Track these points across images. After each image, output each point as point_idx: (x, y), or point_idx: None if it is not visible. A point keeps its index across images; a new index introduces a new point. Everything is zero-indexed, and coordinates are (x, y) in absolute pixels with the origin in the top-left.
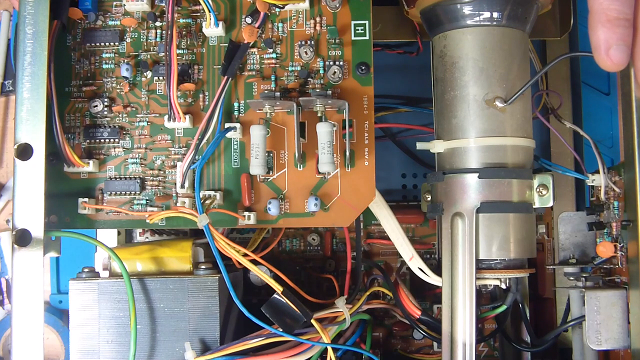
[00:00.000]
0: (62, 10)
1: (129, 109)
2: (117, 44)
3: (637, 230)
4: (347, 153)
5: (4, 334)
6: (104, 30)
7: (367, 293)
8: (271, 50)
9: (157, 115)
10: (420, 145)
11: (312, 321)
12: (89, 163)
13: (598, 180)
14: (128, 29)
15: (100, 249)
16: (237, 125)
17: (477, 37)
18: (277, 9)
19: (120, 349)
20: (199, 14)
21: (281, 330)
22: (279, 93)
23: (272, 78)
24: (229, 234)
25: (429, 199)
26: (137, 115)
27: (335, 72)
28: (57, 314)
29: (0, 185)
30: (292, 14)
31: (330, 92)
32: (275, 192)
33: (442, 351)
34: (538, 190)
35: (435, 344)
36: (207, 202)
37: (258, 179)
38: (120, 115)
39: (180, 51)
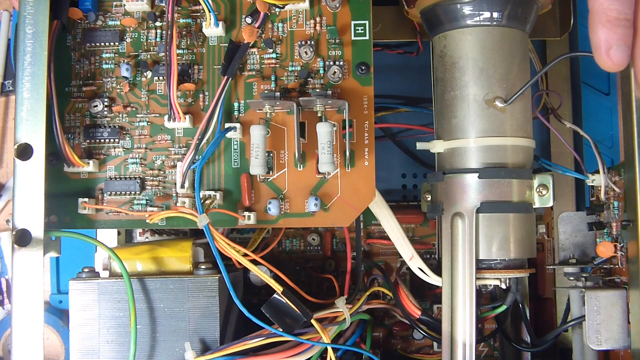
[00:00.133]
0: (62, 10)
1: (129, 109)
2: (117, 44)
3: (637, 230)
4: (347, 153)
5: (4, 334)
6: (104, 30)
7: (367, 293)
8: (271, 50)
9: (157, 115)
10: (420, 145)
11: (312, 321)
12: (89, 163)
13: (598, 180)
14: (128, 29)
15: (100, 249)
16: (237, 125)
17: (477, 37)
18: (277, 9)
19: (120, 349)
20: (199, 14)
21: (281, 330)
22: (279, 93)
23: (272, 78)
24: (229, 234)
25: (429, 199)
26: (137, 115)
27: (335, 72)
28: (57, 314)
29: (0, 185)
30: (292, 14)
31: (330, 92)
32: (275, 192)
33: (442, 351)
34: (538, 190)
35: (435, 344)
36: (207, 202)
37: (258, 179)
38: (120, 115)
39: (180, 51)
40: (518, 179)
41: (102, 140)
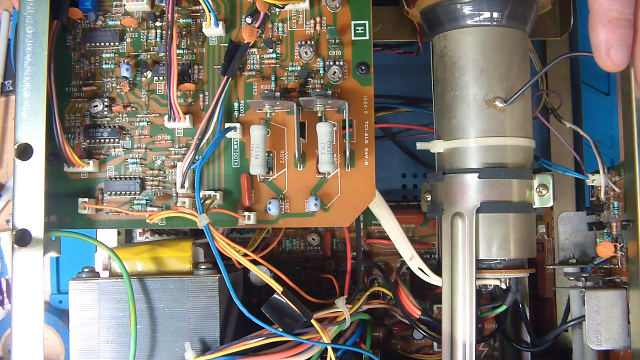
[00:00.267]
0: (62, 10)
1: (129, 109)
2: (117, 44)
3: (637, 230)
4: (347, 153)
5: (4, 334)
6: (104, 30)
7: (367, 293)
8: (271, 50)
9: (157, 115)
10: (420, 145)
11: (312, 321)
12: (89, 163)
13: (598, 180)
14: (128, 29)
15: (100, 249)
16: (237, 125)
17: (477, 37)
18: (277, 9)
19: (120, 349)
20: (199, 14)
21: (281, 330)
22: (279, 93)
23: (272, 78)
24: (229, 234)
25: (429, 199)
26: (137, 115)
27: (335, 72)
28: (57, 314)
29: (0, 185)
30: (292, 14)
31: (330, 92)
32: (275, 192)
33: (442, 351)
34: (538, 190)
35: (435, 344)
36: (207, 202)
37: (258, 179)
38: (120, 115)
39: (180, 51)
40: (518, 179)
41: (102, 140)
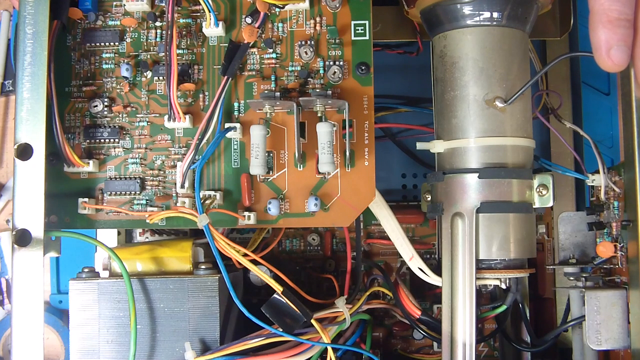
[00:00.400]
0: (62, 10)
1: (129, 109)
2: (117, 44)
3: (637, 230)
4: (347, 153)
5: (4, 334)
6: (104, 30)
7: (367, 293)
8: (271, 50)
9: (157, 115)
10: (420, 145)
11: (312, 321)
12: (89, 163)
13: (598, 180)
14: (128, 29)
15: (100, 249)
16: (237, 125)
17: (477, 37)
18: (277, 9)
19: (120, 349)
20: (199, 14)
21: (281, 330)
22: (279, 93)
23: (272, 78)
24: (229, 234)
25: (429, 199)
26: (137, 115)
27: (335, 72)
28: (57, 314)
29: (0, 185)
30: (292, 14)
31: (330, 92)
32: (275, 192)
33: (442, 351)
34: (538, 190)
35: (435, 344)
36: (207, 202)
37: (258, 179)
38: (120, 115)
39: (180, 51)
40: (518, 179)
41: (102, 140)
